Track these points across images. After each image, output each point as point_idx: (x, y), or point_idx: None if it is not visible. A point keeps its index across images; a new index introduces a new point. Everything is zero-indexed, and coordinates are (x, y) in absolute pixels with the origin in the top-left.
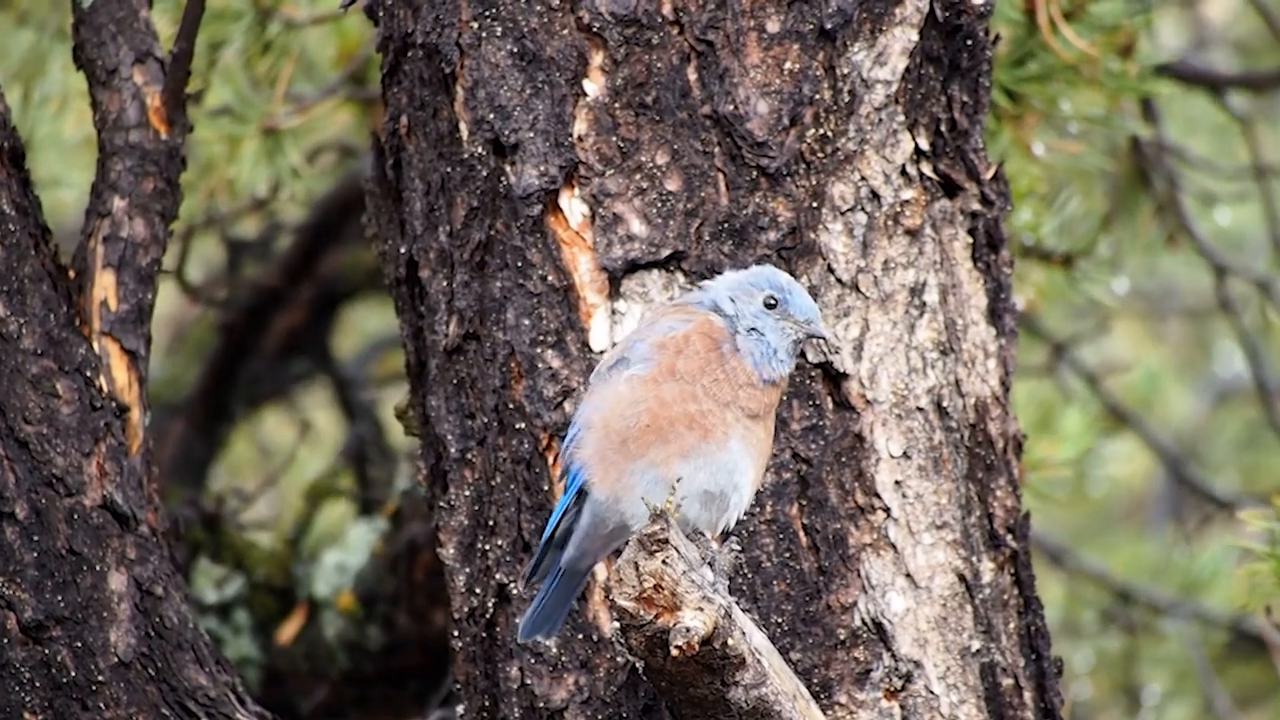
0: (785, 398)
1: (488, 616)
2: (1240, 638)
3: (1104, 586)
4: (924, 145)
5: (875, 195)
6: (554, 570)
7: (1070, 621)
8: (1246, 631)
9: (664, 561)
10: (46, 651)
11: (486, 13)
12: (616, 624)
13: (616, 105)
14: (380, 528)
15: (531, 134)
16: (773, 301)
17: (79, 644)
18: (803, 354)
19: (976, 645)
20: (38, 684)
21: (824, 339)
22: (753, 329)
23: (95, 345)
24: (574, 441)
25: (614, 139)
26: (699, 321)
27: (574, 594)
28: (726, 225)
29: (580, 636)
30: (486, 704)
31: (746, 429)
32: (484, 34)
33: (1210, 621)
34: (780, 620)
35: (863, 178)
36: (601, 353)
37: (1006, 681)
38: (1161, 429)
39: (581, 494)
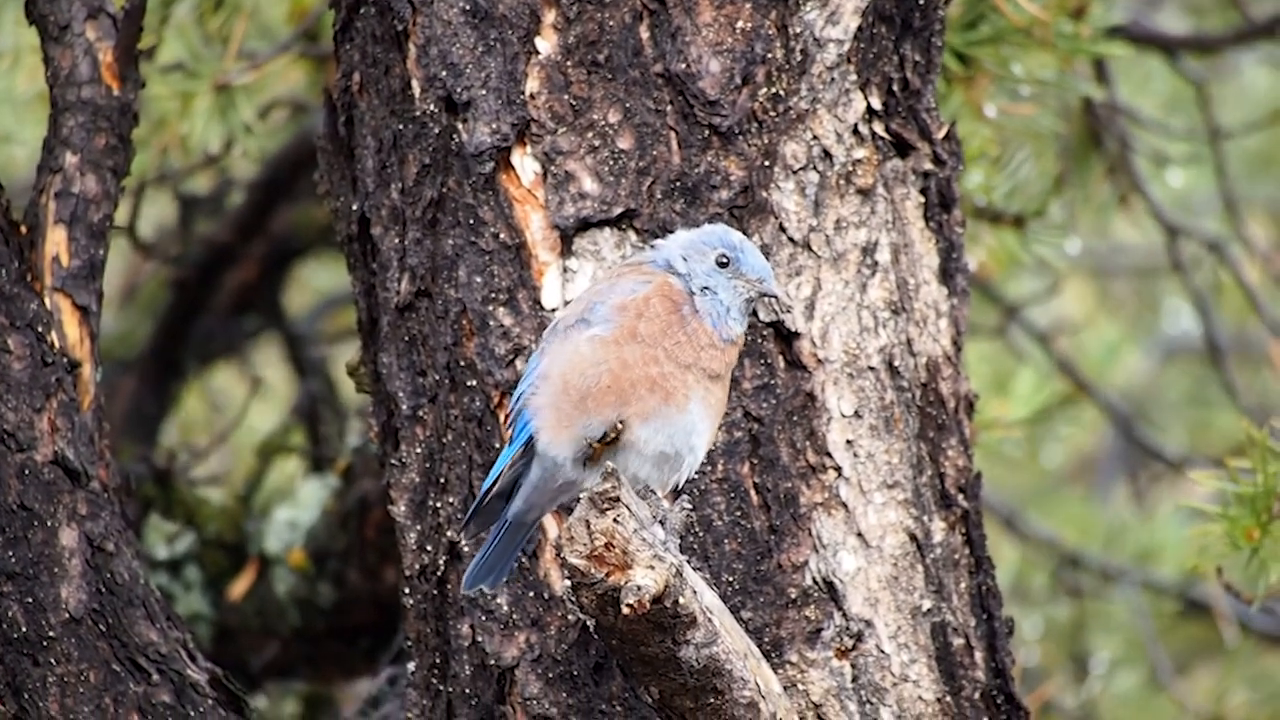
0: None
1: (439, 574)
2: (1190, 605)
3: (1055, 552)
4: (876, 104)
5: (827, 154)
6: (500, 521)
7: (1020, 588)
8: (1195, 599)
9: (615, 519)
10: None
11: None
12: (568, 582)
13: (569, 63)
14: (332, 484)
15: (484, 91)
16: (725, 260)
17: (30, 599)
18: (754, 313)
19: (927, 605)
20: None
21: (776, 297)
22: (705, 288)
23: (47, 301)
24: (527, 391)
25: (566, 97)
26: (658, 283)
27: (519, 546)
28: (678, 183)
29: (531, 594)
30: (437, 661)
31: (706, 390)
32: None
33: (1161, 590)
34: (731, 579)
35: (815, 137)
36: (553, 311)
37: (957, 641)
38: (1110, 388)
39: (530, 446)
